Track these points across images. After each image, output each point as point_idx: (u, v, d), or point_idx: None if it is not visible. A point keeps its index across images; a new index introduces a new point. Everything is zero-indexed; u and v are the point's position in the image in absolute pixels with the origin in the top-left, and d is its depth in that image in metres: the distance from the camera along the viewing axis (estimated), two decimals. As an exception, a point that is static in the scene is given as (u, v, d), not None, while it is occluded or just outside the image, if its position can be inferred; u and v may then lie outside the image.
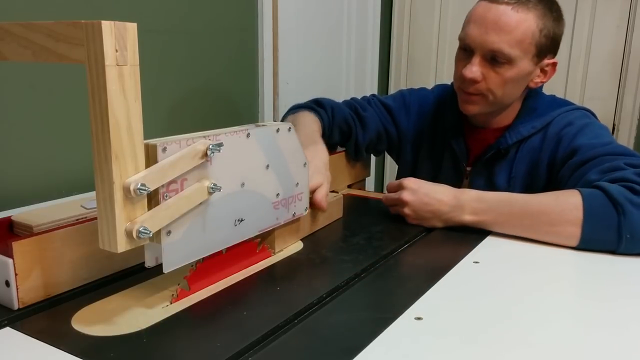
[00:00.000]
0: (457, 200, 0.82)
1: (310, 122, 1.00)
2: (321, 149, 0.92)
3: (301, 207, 0.75)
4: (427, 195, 0.84)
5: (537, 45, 0.91)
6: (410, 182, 0.86)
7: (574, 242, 0.75)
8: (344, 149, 1.10)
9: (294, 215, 0.74)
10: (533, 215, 0.78)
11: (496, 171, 0.99)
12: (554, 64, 0.96)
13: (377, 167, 2.24)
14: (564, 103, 0.99)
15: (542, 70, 0.95)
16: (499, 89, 0.92)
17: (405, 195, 0.85)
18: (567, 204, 0.75)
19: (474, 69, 0.91)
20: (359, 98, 1.13)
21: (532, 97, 0.98)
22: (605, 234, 0.74)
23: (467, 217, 0.81)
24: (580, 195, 0.75)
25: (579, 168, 0.85)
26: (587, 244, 0.75)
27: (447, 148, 1.06)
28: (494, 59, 0.90)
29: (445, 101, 1.08)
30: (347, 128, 1.07)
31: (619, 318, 0.58)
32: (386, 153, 1.19)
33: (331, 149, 1.10)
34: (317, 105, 1.06)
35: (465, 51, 0.94)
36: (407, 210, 0.85)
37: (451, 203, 0.82)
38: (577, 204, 0.75)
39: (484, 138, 1.01)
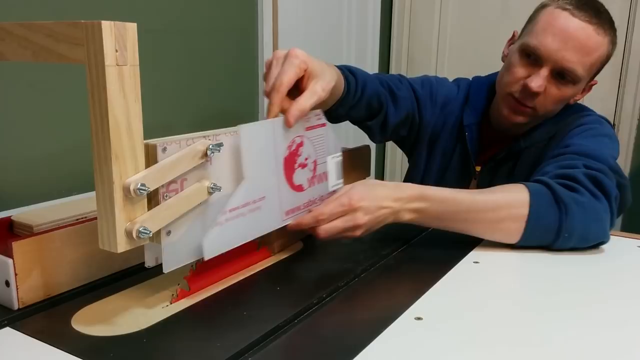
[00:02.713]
0: (398, 202, 0.71)
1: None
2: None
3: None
4: (377, 208, 0.69)
5: (598, 69, 0.90)
6: (359, 198, 0.68)
7: (516, 238, 0.73)
8: (343, 148, 1.10)
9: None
10: (479, 212, 0.73)
11: (500, 171, 0.99)
12: (594, 84, 0.94)
13: (377, 167, 2.24)
14: (582, 109, 0.97)
15: (583, 88, 0.93)
16: (553, 104, 0.90)
17: (360, 218, 0.67)
18: (514, 201, 0.73)
19: (541, 83, 0.86)
20: (385, 74, 1.04)
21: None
22: (545, 232, 0.73)
23: (408, 216, 0.72)
24: (528, 192, 0.73)
25: (551, 159, 0.84)
26: (525, 242, 0.74)
27: (459, 146, 1.04)
28: (561, 76, 0.87)
29: (467, 98, 1.05)
30: (378, 105, 0.96)
31: (620, 318, 0.58)
32: (395, 147, 1.15)
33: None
34: (348, 72, 0.90)
35: (529, 58, 0.88)
36: (358, 233, 0.69)
37: (395, 207, 0.71)
38: (525, 200, 0.72)
39: (497, 140, 1.00)
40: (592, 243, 0.75)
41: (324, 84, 0.67)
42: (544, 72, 0.87)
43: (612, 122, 1.83)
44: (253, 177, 0.60)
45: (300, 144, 0.67)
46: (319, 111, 0.70)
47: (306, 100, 0.65)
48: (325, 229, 0.67)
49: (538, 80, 0.87)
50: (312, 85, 0.66)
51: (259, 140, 0.61)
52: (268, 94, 0.65)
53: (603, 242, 0.77)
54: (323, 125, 0.70)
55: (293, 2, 1.60)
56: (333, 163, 0.73)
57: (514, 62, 0.91)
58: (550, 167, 0.80)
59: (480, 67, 1.16)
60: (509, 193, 0.74)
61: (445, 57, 2.12)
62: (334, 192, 0.73)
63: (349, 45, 1.94)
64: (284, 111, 0.65)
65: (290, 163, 0.66)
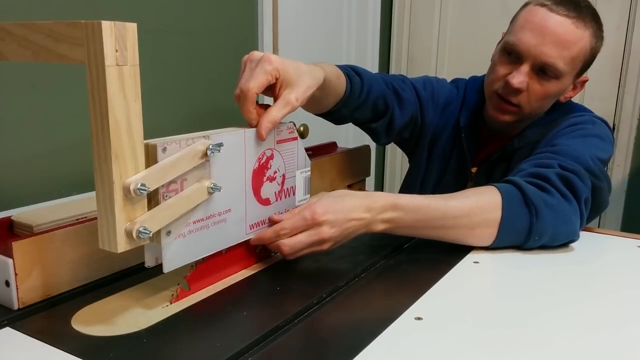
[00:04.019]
0: (370, 212, 0.68)
1: (331, 69, 0.82)
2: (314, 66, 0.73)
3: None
4: (346, 220, 0.65)
5: (584, 64, 0.89)
6: (323, 212, 0.64)
7: (489, 242, 0.73)
8: (343, 148, 1.10)
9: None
10: (454, 218, 0.71)
11: (495, 172, 0.99)
12: (585, 81, 0.94)
13: (377, 167, 2.24)
14: (578, 109, 0.96)
15: (574, 86, 0.93)
16: (538, 101, 0.90)
17: (326, 232, 0.64)
18: (487, 205, 0.72)
19: (522, 79, 0.87)
20: (388, 75, 1.03)
21: (553, 108, 0.95)
22: (516, 235, 0.73)
23: (380, 227, 0.69)
24: (500, 194, 0.72)
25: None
26: (497, 245, 0.74)
27: (456, 149, 1.04)
28: (543, 72, 0.87)
29: (464, 99, 1.05)
30: (384, 106, 0.97)
31: (621, 317, 0.58)
32: (395, 148, 1.14)
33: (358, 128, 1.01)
34: (354, 72, 0.91)
35: (510, 56, 0.89)
36: (326, 247, 0.66)
37: (366, 218, 0.67)
38: (497, 203, 0.72)
39: (492, 140, 1.00)
40: (561, 242, 0.76)
41: (298, 93, 0.64)
42: (525, 68, 0.87)
43: (612, 122, 1.83)
44: (221, 188, 0.59)
45: (271, 157, 0.66)
46: (291, 124, 0.69)
47: (278, 111, 0.63)
48: (290, 245, 0.64)
49: (519, 77, 0.87)
50: (285, 95, 0.64)
51: (229, 150, 0.60)
52: (236, 98, 0.63)
53: (573, 240, 0.77)
54: (294, 139, 0.70)
55: (293, 2, 1.60)
56: (301, 178, 0.72)
57: (497, 60, 0.92)
58: (526, 164, 0.80)
59: (480, 67, 1.16)
60: (481, 197, 0.73)
61: (445, 57, 2.12)
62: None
63: (349, 45, 1.94)
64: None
65: (258, 175, 0.65)
